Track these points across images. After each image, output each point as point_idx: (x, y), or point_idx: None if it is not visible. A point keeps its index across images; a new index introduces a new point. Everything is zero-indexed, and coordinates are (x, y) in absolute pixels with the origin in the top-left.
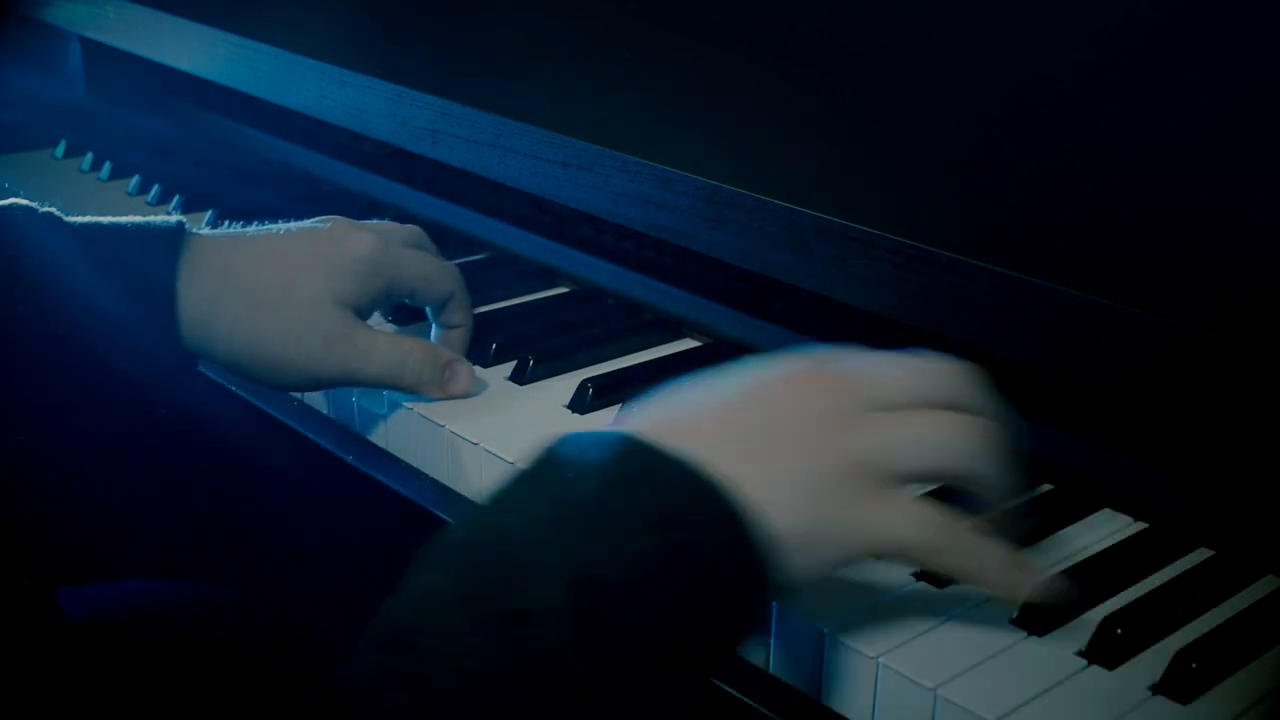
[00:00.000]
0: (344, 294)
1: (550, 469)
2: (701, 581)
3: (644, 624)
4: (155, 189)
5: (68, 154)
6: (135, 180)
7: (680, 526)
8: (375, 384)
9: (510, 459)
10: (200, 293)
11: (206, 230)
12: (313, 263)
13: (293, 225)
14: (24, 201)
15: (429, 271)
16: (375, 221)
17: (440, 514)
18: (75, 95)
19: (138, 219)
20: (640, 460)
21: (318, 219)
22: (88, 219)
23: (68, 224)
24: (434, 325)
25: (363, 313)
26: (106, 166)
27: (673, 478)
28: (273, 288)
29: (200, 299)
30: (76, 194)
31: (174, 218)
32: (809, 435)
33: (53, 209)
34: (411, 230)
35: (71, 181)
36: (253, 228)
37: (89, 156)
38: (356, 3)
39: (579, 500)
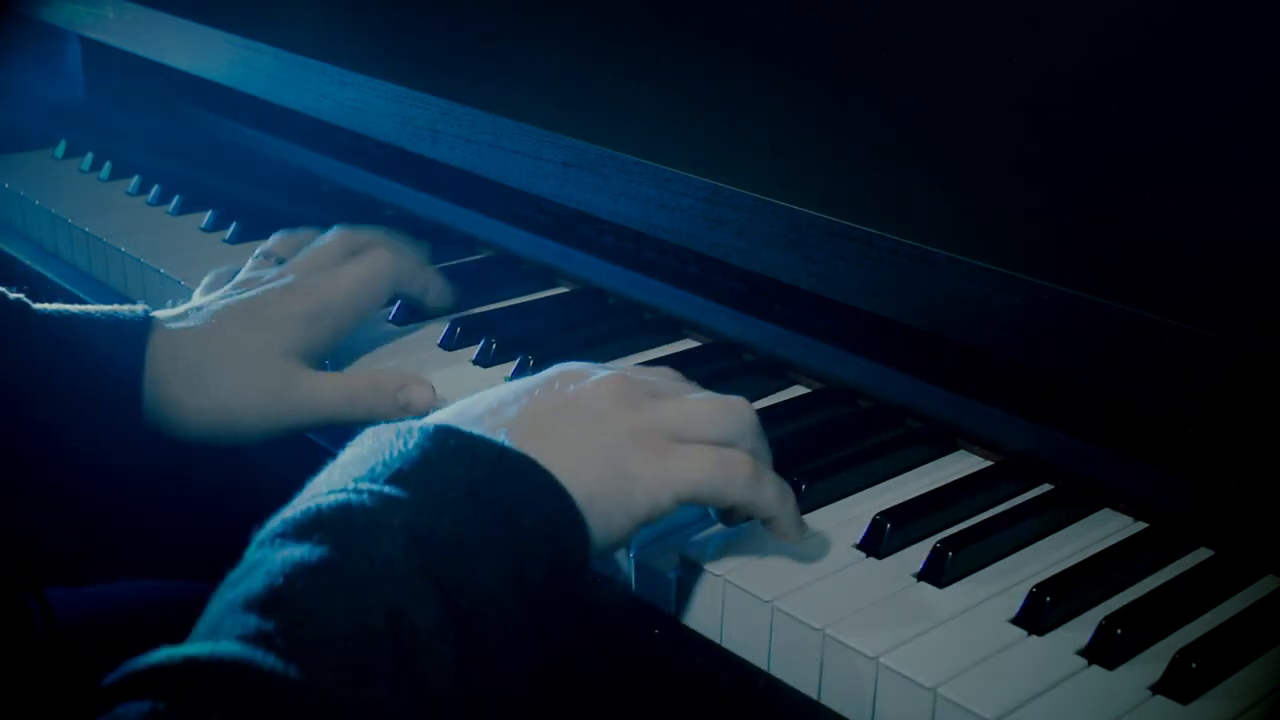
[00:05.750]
0: (290, 346)
1: (374, 453)
2: (523, 543)
3: (474, 579)
4: (155, 189)
5: (68, 154)
6: (135, 180)
7: (495, 495)
8: (330, 425)
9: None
10: (161, 390)
11: (170, 319)
12: (252, 326)
13: (233, 298)
14: None
15: (362, 283)
16: (302, 253)
17: None
18: (75, 95)
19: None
20: (457, 442)
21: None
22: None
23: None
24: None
25: (320, 356)
26: (106, 166)
27: (486, 454)
28: (221, 363)
29: (161, 395)
30: (76, 194)
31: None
32: (603, 412)
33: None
34: (331, 245)
35: (71, 181)
36: (205, 304)
37: (89, 157)
38: (356, 3)
39: (406, 473)
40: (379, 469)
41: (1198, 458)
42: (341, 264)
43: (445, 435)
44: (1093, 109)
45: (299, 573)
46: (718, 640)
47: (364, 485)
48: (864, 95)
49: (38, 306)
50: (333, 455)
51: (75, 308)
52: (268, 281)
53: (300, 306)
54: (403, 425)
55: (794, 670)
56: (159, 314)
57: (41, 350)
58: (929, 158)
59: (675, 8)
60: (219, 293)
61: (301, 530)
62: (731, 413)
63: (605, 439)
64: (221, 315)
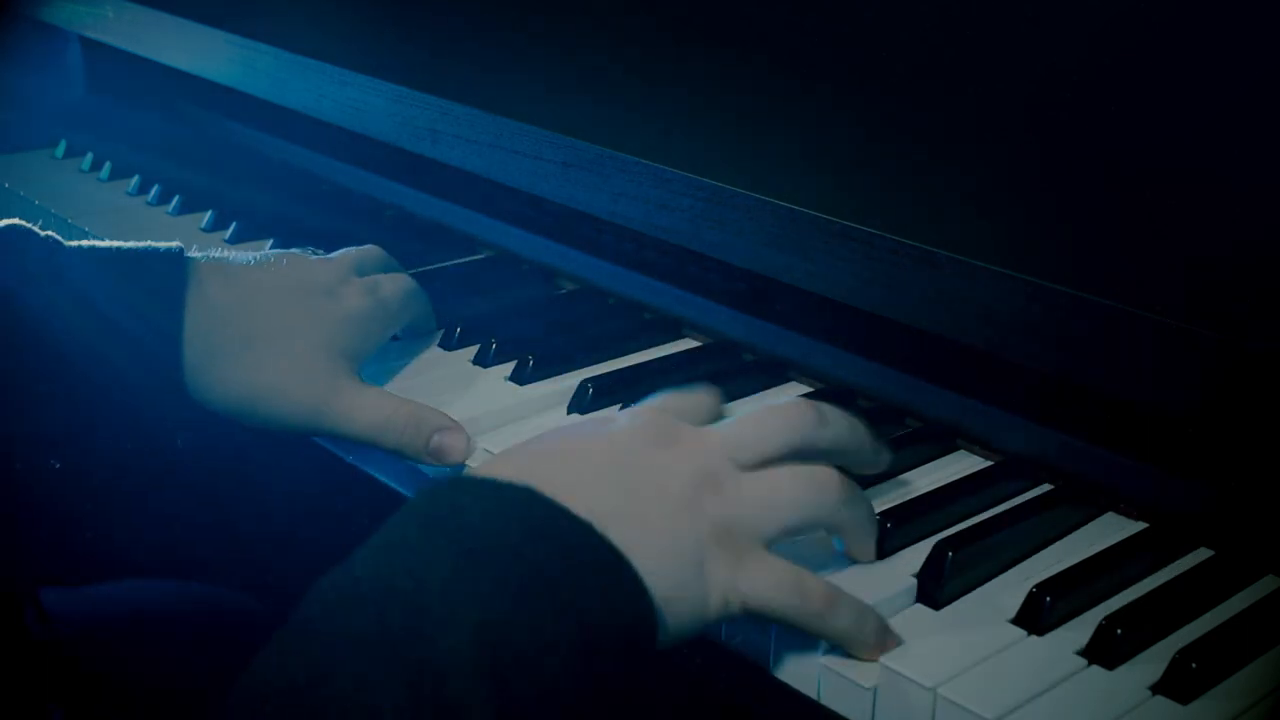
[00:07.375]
0: (342, 347)
1: (454, 515)
2: (594, 643)
3: (544, 677)
4: (155, 189)
5: (68, 154)
6: (135, 180)
7: (578, 590)
8: (358, 441)
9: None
10: (202, 343)
11: (203, 258)
12: (306, 318)
13: (269, 260)
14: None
15: (408, 293)
16: (339, 254)
17: None
18: (75, 95)
19: (137, 246)
20: (540, 516)
21: (291, 253)
22: (85, 243)
23: (67, 249)
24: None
25: (362, 356)
26: (107, 167)
27: (570, 541)
28: (270, 340)
29: (201, 349)
30: (76, 194)
31: (174, 243)
32: (686, 499)
33: (52, 232)
34: (378, 254)
35: (71, 181)
36: (242, 260)
37: (89, 157)
38: (356, 3)
39: (485, 552)
40: (458, 536)
41: (1197, 458)
42: (381, 273)
43: (529, 505)
44: (1093, 109)
45: (354, 648)
46: (718, 640)
47: (441, 556)
48: (864, 95)
49: (70, 243)
50: (336, 457)
51: (109, 243)
52: (315, 263)
53: (360, 303)
54: (487, 479)
55: (794, 671)
56: (199, 259)
57: (74, 294)
58: (929, 158)
59: (675, 8)
60: (265, 259)
61: (365, 595)
62: (817, 491)
63: (688, 534)
64: (276, 292)
